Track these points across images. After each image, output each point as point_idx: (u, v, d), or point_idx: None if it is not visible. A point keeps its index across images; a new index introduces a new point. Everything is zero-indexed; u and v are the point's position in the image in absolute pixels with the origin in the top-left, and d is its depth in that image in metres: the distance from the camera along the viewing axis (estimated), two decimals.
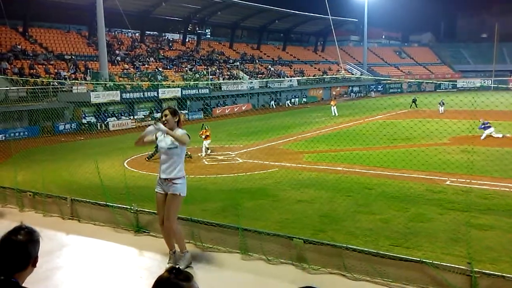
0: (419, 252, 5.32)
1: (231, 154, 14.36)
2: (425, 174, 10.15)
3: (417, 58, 63.17)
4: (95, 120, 24.29)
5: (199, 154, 14.27)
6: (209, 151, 14.31)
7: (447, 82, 46.97)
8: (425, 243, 5.82)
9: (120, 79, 28.09)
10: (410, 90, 48.80)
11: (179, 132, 4.35)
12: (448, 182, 9.45)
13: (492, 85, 35.71)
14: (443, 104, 25.69)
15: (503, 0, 68.01)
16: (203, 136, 14.32)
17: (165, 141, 4.35)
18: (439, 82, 48.17)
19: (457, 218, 6.77)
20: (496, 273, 3.76)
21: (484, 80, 47.13)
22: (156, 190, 4.47)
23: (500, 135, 15.78)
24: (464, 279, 3.69)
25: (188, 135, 4.34)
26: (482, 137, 15.70)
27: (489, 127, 15.91)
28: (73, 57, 29.55)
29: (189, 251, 4.53)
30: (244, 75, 39.43)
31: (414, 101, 30.41)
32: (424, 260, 3.95)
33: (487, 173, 9.81)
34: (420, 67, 60.79)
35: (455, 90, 48.56)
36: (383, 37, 72.09)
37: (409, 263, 3.97)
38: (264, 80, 38.67)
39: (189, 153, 13.32)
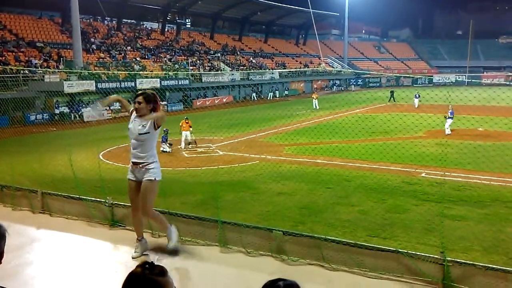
0: (395, 242, 5.45)
1: (212, 147, 14.24)
2: (402, 166, 10.40)
3: (396, 53, 64.39)
4: (68, 111, 23.53)
5: (179, 146, 14.07)
6: (190, 145, 14.10)
7: (424, 77, 48.19)
8: (401, 234, 5.97)
9: (95, 68, 27.21)
10: (389, 85, 49.77)
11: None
12: (423, 174, 9.72)
13: (466, 81, 36.93)
14: (419, 96, 25.75)
15: None
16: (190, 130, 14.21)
17: (134, 126, 4.14)
18: (416, 77, 49.36)
19: (431, 209, 6.98)
20: (468, 261, 3.88)
21: (458, 75, 48.62)
22: (128, 177, 4.33)
23: (449, 132, 15.94)
24: (437, 268, 3.79)
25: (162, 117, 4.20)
26: (447, 132, 15.92)
27: (451, 118, 16.01)
28: (45, 44, 28.35)
29: (172, 224, 4.46)
30: (225, 66, 39.04)
31: (391, 93, 30.97)
32: (399, 250, 4.04)
33: (460, 165, 10.15)
34: (398, 62, 62.02)
35: (431, 85, 49.90)
36: (363, 32, 72.93)
37: (386, 253, 4.05)
38: (246, 72, 38.44)
39: (168, 149, 13.15)
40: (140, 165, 4.19)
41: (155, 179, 4.23)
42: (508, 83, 39.41)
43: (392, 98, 30.86)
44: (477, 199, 7.77)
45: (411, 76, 50.19)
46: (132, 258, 4.33)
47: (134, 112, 4.24)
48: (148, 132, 4.13)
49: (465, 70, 51.35)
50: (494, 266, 3.78)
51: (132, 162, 4.23)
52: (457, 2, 71.47)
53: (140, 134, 4.13)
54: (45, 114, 22.30)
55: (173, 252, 4.46)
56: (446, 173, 9.44)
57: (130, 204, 4.51)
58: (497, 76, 48.63)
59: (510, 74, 49.40)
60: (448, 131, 16.04)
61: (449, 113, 16.05)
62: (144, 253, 4.42)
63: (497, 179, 9.19)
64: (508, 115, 14.74)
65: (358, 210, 7.15)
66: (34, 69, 22.55)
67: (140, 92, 4.27)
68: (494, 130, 15.07)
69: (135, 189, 4.28)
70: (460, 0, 71.45)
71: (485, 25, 61.79)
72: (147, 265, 1.49)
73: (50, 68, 24.34)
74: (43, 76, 23.60)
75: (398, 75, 52.16)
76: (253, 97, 37.32)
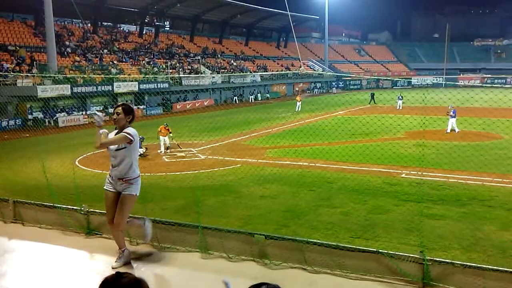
0: (377, 243, 5.49)
1: (193, 151, 14.07)
2: (382, 167, 10.55)
3: (375, 56, 65.74)
4: (42, 116, 22.84)
5: (158, 151, 13.84)
6: (168, 150, 13.89)
7: (403, 79, 49.41)
8: (382, 234, 6.02)
9: (70, 72, 26.50)
10: (369, 87, 50.73)
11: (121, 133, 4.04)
12: (403, 175, 9.88)
13: (443, 83, 38.07)
14: (402, 98, 25.98)
15: (454, 2, 72.64)
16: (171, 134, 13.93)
17: None
18: (395, 79, 50.53)
19: (411, 209, 7.08)
20: (446, 260, 3.94)
21: (436, 78, 50.02)
22: (105, 187, 4.25)
23: (457, 130, 16.38)
24: (417, 267, 3.83)
25: (129, 134, 4.00)
26: (449, 130, 16.29)
27: (454, 117, 16.38)
28: (17, 48, 27.41)
29: (127, 248, 4.35)
30: (206, 69, 38.81)
31: (372, 95, 31.61)
32: (380, 250, 4.06)
33: (438, 165, 10.38)
34: (378, 65, 63.34)
35: (409, 87, 51.15)
36: (344, 35, 74.21)
37: (367, 254, 4.06)
38: (227, 75, 38.33)
39: (142, 151, 12.78)
40: (123, 180, 4.14)
41: (136, 194, 4.19)
42: (482, 85, 40.85)
43: (372, 100, 31.47)
44: (455, 198, 7.95)
45: (390, 78, 51.33)
46: (112, 267, 4.19)
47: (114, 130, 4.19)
48: (125, 147, 4.08)
49: (442, 72, 52.93)
50: (472, 264, 3.85)
51: (115, 178, 4.15)
52: (433, 6, 73.81)
53: (116, 150, 4.08)
54: (17, 120, 21.55)
55: (153, 260, 4.34)
56: (425, 173, 9.63)
57: (106, 213, 4.35)
58: (473, 78, 50.37)
59: (485, 76, 51.23)
60: (449, 130, 16.33)
61: (451, 112, 16.42)
62: (127, 264, 4.27)
63: (474, 178, 9.44)
64: (482, 116, 15.22)
65: (341, 211, 7.18)
66: (6, 73, 21.75)
67: (119, 103, 4.25)
68: (469, 130, 15.54)
69: (113, 200, 4.21)
70: (436, 4, 73.84)
71: (461, 28, 63.96)
72: (121, 273, 1.47)
73: (23, 72, 23.53)
74: (16, 81, 22.79)
75: (377, 77, 53.27)
76: (235, 100, 37.24)
